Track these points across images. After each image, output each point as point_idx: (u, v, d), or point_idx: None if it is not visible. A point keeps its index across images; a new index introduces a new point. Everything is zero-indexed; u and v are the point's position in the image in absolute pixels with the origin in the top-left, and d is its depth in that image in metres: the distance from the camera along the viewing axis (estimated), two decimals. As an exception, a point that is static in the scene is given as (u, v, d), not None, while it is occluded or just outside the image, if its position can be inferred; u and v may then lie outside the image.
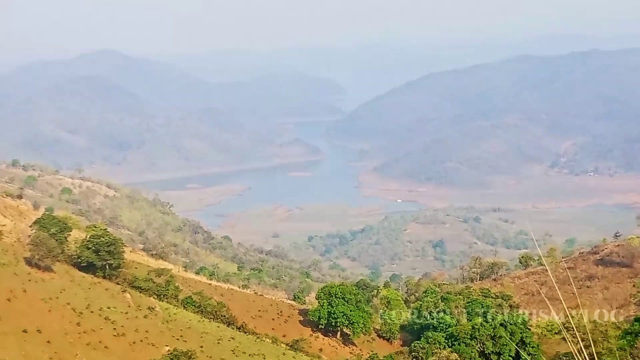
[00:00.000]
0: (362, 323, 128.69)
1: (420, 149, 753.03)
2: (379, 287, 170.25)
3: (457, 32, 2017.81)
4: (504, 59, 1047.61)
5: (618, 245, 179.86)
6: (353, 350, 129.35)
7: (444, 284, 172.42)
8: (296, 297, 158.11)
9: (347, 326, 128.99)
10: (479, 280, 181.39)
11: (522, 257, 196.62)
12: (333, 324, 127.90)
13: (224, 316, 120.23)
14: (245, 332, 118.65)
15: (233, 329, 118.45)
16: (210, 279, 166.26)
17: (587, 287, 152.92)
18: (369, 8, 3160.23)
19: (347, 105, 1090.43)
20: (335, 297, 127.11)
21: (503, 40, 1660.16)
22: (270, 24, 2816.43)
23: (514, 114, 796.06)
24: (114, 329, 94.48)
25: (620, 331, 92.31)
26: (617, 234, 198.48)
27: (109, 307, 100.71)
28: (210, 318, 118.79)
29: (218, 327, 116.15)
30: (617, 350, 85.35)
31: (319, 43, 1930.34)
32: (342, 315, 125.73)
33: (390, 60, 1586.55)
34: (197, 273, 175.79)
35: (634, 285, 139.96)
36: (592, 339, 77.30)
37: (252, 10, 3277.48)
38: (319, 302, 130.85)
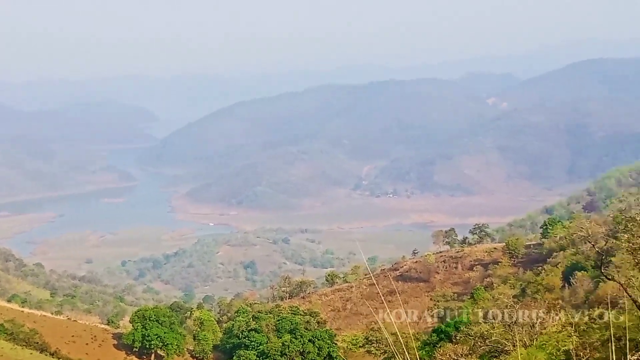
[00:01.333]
0: (176, 344, 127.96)
1: (232, 173, 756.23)
2: (192, 308, 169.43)
3: (265, 62, 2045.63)
4: (309, 88, 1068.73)
5: (416, 262, 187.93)
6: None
7: (255, 303, 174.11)
8: (110, 321, 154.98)
9: (161, 348, 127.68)
10: (289, 298, 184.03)
11: (329, 275, 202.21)
12: (147, 346, 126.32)
13: (37, 343, 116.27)
14: (59, 358, 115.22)
15: (47, 355, 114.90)
16: (23, 307, 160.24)
17: (389, 301, 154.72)
18: (182, 39, 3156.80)
19: (160, 133, 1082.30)
20: (149, 319, 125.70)
21: (308, 70, 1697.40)
22: (84, 54, 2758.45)
23: (320, 139, 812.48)
24: None
25: (419, 342, 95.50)
26: (415, 251, 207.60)
27: None
28: (23, 345, 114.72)
29: (31, 354, 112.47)
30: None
31: (133, 72, 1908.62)
32: (156, 338, 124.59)
33: (202, 89, 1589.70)
34: (9, 301, 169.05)
35: (431, 299, 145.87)
36: (395, 351, 78.57)
37: (67, 40, 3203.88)
38: (133, 326, 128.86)
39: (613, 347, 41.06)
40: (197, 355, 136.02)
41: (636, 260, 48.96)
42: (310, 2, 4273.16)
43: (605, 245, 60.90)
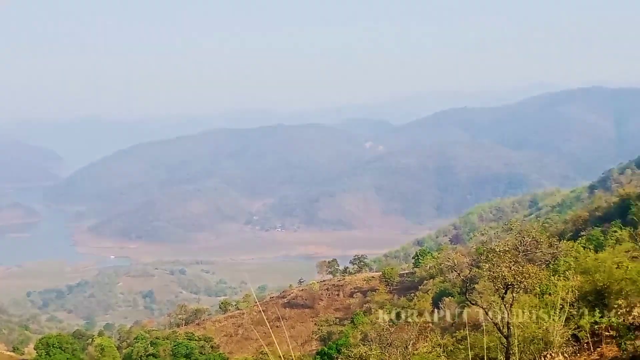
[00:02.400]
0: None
1: (131, 210, 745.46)
2: (93, 336, 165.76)
3: (163, 106, 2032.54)
4: (204, 131, 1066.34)
5: (302, 290, 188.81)
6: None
7: (153, 330, 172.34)
8: (15, 348, 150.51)
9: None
10: (185, 325, 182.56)
11: (222, 303, 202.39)
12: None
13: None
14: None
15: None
16: None
17: (277, 326, 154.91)
18: (84, 84, 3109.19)
19: (64, 172, 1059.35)
20: (53, 346, 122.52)
21: (203, 114, 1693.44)
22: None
23: (214, 178, 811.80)
24: None
25: None
26: (301, 280, 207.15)
27: None
28: None
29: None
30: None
31: (39, 116, 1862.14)
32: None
33: (104, 131, 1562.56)
34: None
35: (315, 324, 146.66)
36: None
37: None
38: (37, 352, 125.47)
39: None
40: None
41: (496, 287, 50.12)
42: (205, 51, 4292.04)
43: (469, 273, 61.54)
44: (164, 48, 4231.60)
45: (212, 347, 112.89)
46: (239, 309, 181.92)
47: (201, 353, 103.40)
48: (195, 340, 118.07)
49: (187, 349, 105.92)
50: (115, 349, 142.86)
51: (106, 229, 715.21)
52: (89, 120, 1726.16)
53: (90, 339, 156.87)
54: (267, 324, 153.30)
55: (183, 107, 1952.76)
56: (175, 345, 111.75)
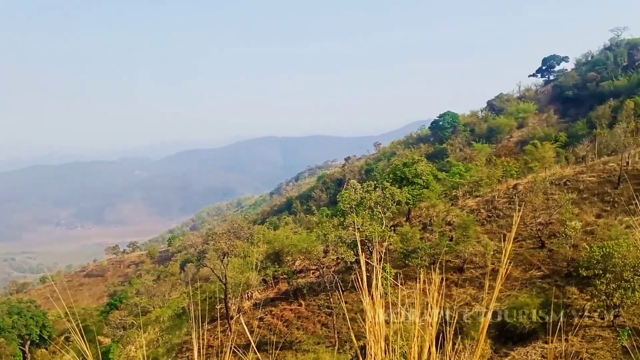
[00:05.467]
0: None
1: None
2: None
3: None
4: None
5: (96, 265, 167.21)
6: None
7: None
8: None
9: None
10: (16, 294, 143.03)
11: (41, 278, 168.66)
12: None
13: None
14: None
15: None
16: None
17: (80, 290, 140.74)
18: None
19: None
20: None
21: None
22: None
23: (33, 197, 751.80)
24: None
25: (98, 311, 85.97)
26: (95, 260, 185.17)
27: None
28: None
29: None
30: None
31: None
32: None
33: None
34: None
35: (105, 286, 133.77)
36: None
37: None
38: None
39: (207, 304, 48.57)
40: None
41: (218, 255, 48.59)
42: None
43: (201, 248, 57.00)
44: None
45: (35, 306, 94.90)
46: (53, 281, 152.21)
47: (28, 310, 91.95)
48: (24, 302, 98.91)
49: (18, 309, 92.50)
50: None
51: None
52: None
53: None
54: (69, 292, 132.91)
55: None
56: (9, 307, 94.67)
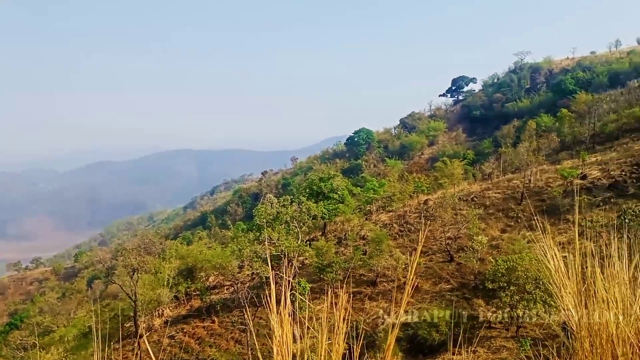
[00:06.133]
0: None
1: None
2: None
3: None
4: None
5: None
6: None
7: None
8: None
9: None
10: None
11: None
12: None
13: None
14: None
15: None
16: None
17: None
18: None
19: None
20: None
21: None
22: None
23: None
24: None
25: None
26: None
27: None
28: None
29: None
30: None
31: None
32: None
33: None
34: None
35: (5, 304, 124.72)
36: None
37: None
38: None
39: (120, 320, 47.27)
40: None
41: (127, 271, 46.56)
42: None
43: (110, 264, 56.84)
44: None
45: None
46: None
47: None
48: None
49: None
50: None
51: None
52: None
53: None
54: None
55: None
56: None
